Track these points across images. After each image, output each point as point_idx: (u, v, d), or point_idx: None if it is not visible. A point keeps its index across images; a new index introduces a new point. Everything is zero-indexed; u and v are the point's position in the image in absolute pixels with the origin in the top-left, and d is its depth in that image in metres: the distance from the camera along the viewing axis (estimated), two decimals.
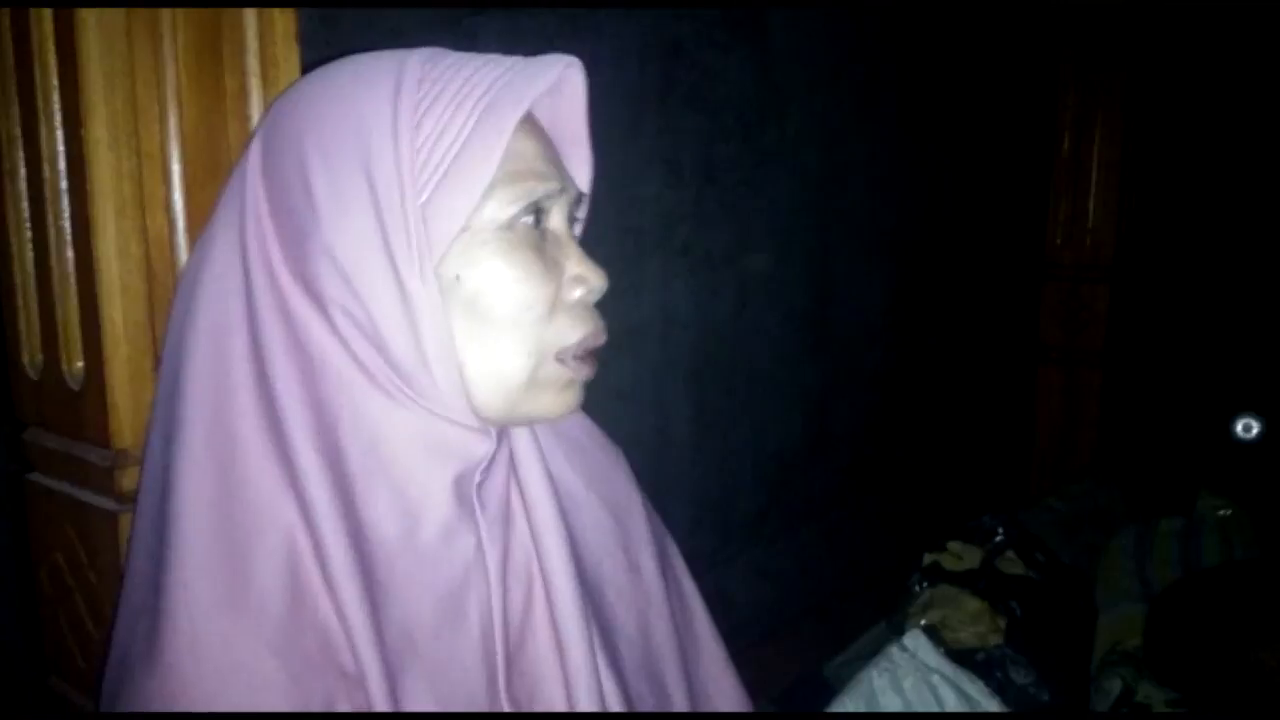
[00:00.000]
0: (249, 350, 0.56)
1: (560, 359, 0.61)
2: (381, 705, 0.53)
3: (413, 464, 0.58)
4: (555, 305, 0.60)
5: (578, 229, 0.67)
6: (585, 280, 0.62)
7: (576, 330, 0.61)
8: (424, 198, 0.56)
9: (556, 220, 0.62)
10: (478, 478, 0.60)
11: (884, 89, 1.95)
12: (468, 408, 0.59)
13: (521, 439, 0.65)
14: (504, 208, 0.57)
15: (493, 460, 0.62)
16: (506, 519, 0.63)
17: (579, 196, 0.65)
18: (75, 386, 0.73)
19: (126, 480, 0.71)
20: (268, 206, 0.58)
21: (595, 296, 0.63)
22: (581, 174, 0.67)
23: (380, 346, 0.56)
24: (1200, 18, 2.31)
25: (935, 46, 2.07)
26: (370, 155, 0.55)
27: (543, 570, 0.63)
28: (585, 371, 0.62)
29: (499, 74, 0.57)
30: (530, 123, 0.61)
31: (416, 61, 0.58)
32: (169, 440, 0.57)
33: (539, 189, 0.59)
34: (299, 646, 0.53)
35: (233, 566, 0.53)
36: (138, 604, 0.57)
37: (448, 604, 0.58)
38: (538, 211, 0.60)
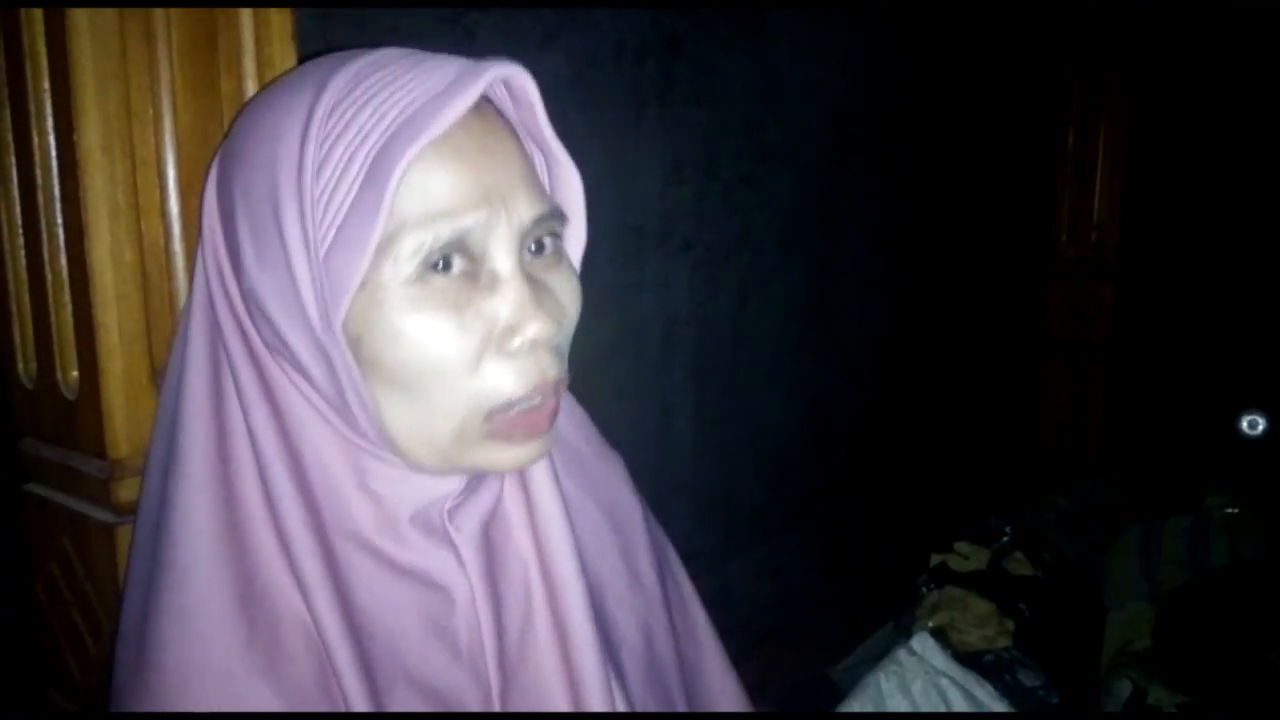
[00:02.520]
0: (230, 385, 0.56)
1: (494, 419, 0.54)
2: None
3: (371, 500, 0.56)
4: (486, 356, 0.53)
5: (577, 244, 0.62)
6: (519, 329, 0.52)
7: (512, 384, 0.53)
8: (322, 252, 0.51)
9: (497, 256, 0.53)
10: (449, 504, 0.58)
11: (886, 84, 1.94)
12: (404, 457, 0.56)
13: None
14: (407, 261, 0.50)
15: (471, 484, 0.60)
16: (496, 531, 0.61)
17: (550, 213, 0.56)
18: (70, 396, 0.71)
19: (123, 492, 0.69)
20: (221, 238, 0.56)
21: (548, 342, 0.54)
22: (566, 181, 0.60)
23: (317, 393, 0.55)
24: (1205, 12, 2.29)
25: (939, 41, 2.06)
26: (277, 199, 0.51)
27: (546, 578, 0.61)
28: (532, 425, 0.54)
29: (411, 99, 0.50)
30: (465, 144, 0.52)
31: (337, 84, 0.51)
32: (170, 456, 0.56)
33: (450, 229, 0.51)
34: (289, 674, 0.53)
35: (226, 587, 0.53)
36: (129, 631, 0.57)
37: (434, 628, 0.57)
38: (462, 251, 0.52)
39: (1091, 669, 1.72)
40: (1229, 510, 2.01)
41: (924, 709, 1.38)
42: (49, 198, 0.69)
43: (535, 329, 0.53)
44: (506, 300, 0.53)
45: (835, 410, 1.92)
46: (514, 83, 0.55)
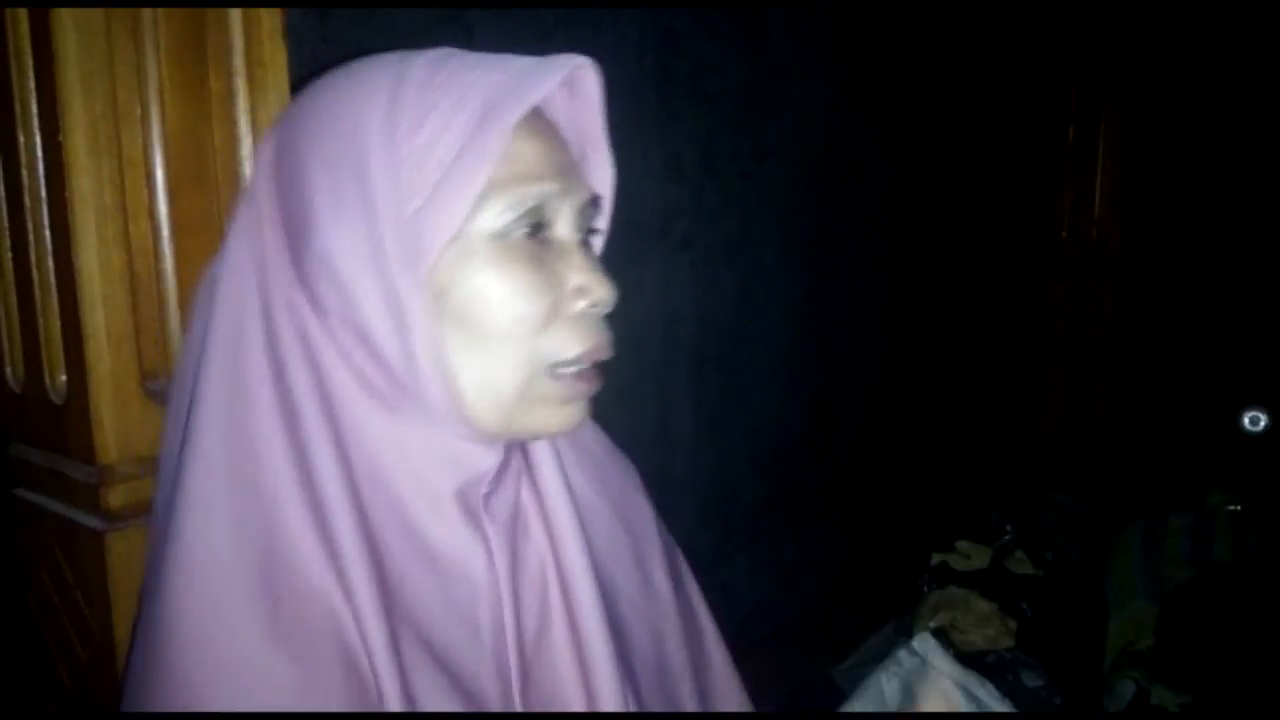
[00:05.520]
0: (266, 359, 0.56)
1: (556, 374, 0.58)
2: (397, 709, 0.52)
3: (415, 477, 0.57)
4: (553, 317, 0.57)
5: (599, 239, 0.65)
6: (587, 292, 0.58)
7: (574, 345, 0.58)
8: (416, 205, 0.53)
9: (562, 228, 0.59)
10: (484, 488, 0.59)
11: (887, 80, 1.93)
12: (463, 420, 0.57)
13: (539, 445, 0.64)
14: (498, 216, 0.55)
15: (503, 470, 0.61)
16: (518, 528, 0.62)
17: (593, 200, 0.61)
18: (58, 400, 0.70)
19: (113, 497, 0.68)
20: (277, 213, 0.57)
21: (602, 310, 0.59)
22: (602, 176, 0.64)
23: (376, 357, 0.55)
24: (1206, 9, 2.28)
25: (939, 36, 2.05)
26: (364, 161, 0.53)
27: (562, 578, 0.62)
28: (583, 388, 0.59)
29: (502, 77, 0.55)
30: (539, 124, 0.58)
31: (420, 64, 0.56)
32: (184, 440, 0.55)
33: (536, 192, 0.56)
34: (317, 657, 0.52)
35: (245, 572, 0.52)
36: (146, 614, 0.55)
37: (460, 615, 0.57)
38: (539, 218, 0.57)
39: (1094, 669, 1.71)
40: (1231, 507, 2.00)
41: (926, 710, 1.37)
42: (35, 199, 0.68)
43: (601, 294, 0.58)
44: (575, 266, 0.58)
45: (835, 408, 1.92)
46: (582, 76, 0.60)
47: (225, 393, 0.55)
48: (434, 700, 0.54)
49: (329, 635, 0.53)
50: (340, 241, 0.54)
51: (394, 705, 0.52)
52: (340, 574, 0.53)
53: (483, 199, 0.54)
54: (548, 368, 0.57)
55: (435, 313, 0.55)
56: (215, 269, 0.59)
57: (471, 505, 0.59)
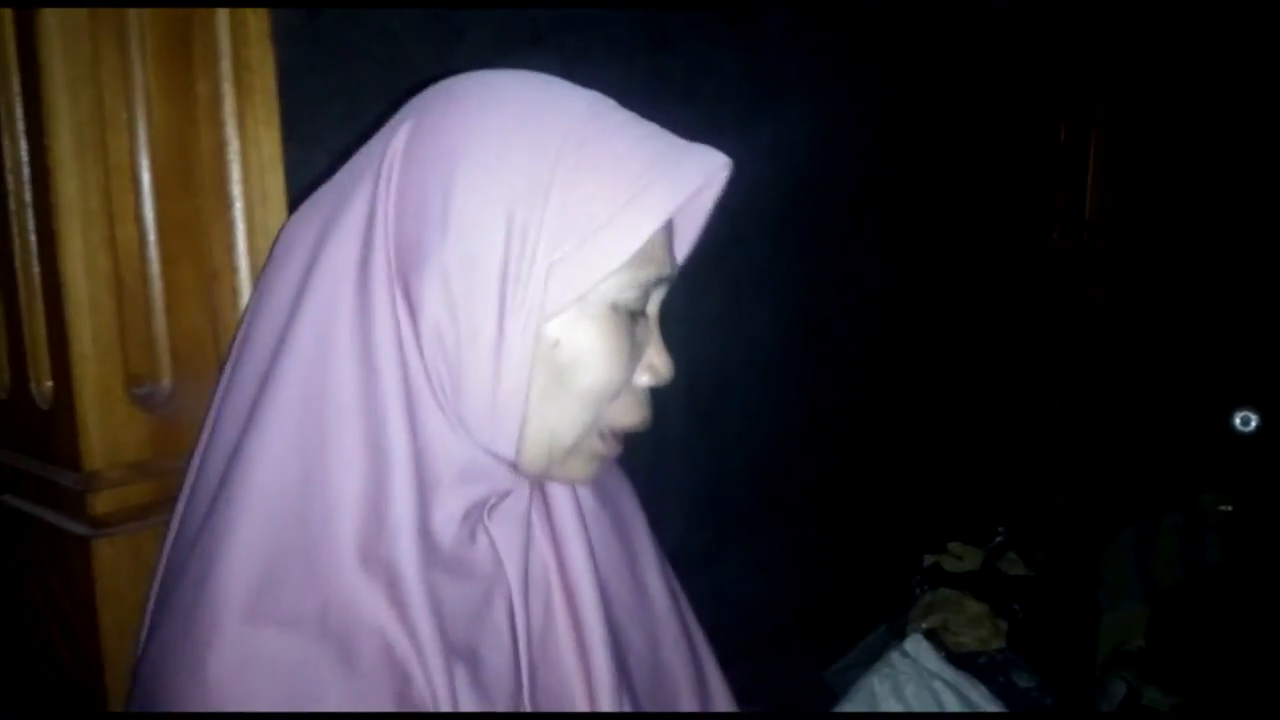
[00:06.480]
0: (358, 361, 0.55)
1: (604, 435, 0.61)
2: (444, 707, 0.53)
3: (444, 482, 0.57)
4: (625, 386, 0.61)
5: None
6: (658, 372, 0.63)
7: (632, 415, 0.62)
8: (556, 255, 0.55)
9: (652, 304, 0.62)
10: (492, 500, 0.60)
11: (878, 80, 1.93)
12: (511, 456, 0.59)
13: None
14: (624, 289, 0.58)
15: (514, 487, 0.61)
16: (525, 532, 0.62)
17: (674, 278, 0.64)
18: (44, 406, 0.70)
19: (99, 504, 0.68)
20: (395, 207, 0.57)
21: (660, 384, 0.64)
22: (682, 252, 0.66)
23: (456, 375, 0.56)
24: (1198, 12, 2.28)
25: (931, 38, 2.05)
26: (519, 200, 0.54)
27: (565, 583, 0.63)
28: (617, 449, 0.63)
29: (660, 154, 0.57)
30: None
31: (584, 116, 0.57)
32: (254, 409, 0.55)
33: (656, 275, 0.59)
34: (359, 646, 0.52)
35: (301, 566, 0.52)
36: (181, 603, 0.54)
37: (477, 616, 0.58)
38: (648, 297, 0.60)
39: (1086, 669, 1.72)
40: (1222, 508, 2.01)
41: (917, 711, 1.37)
42: (20, 204, 0.67)
43: (669, 372, 0.63)
44: (654, 344, 0.63)
45: (828, 409, 1.91)
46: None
47: (302, 388, 0.55)
48: (465, 699, 0.55)
49: (379, 641, 0.53)
50: (467, 265, 0.55)
51: (443, 706, 0.53)
52: (393, 586, 0.53)
53: (619, 270, 0.56)
54: (600, 431, 0.61)
55: (533, 358, 0.56)
56: (306, 235, 0.58)
57: (479, 512, 0.59)
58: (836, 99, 1.81)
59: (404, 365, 0.56)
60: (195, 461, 0.60)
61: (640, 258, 0.57)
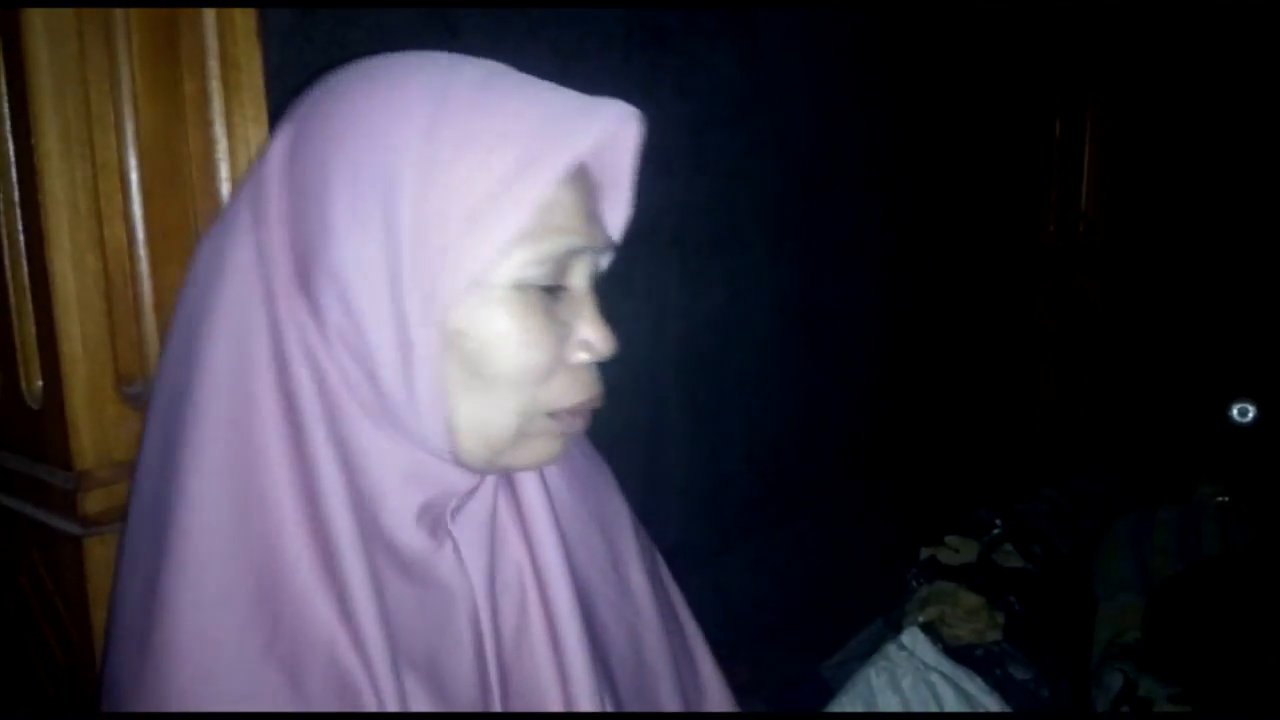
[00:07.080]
0: (273, 369, 0.54)
1: (552, 415, 0.58)
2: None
3: (389, 487, 0.56)
4: (556, 366, 0.56)
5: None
6: (592, 346, 0.58)
7: (573, 394, 0.57)
8: (442, 241, 0.51)
9: (577, 277, 0.57)
10: (454, 502, 0.59)
11: (874, 76, 1.92)
12: (450, 451, 0.57)
13: None
14: (523, 267, 0.53)
15: (477, 485, 0.60)
16: (495, 535, 0.61)
17: (611, 247, 0.60)
18: (35, 406, 0.70)
19: (90, 503, 0.68)
20: (286, 214, 0.55)
21: (600, 359, 0.59)
22: (617, 218, 0.62)
23: (372, 379, 0.54)
24: (1192, 5, 2.28)
25: (925, 32, 2.04)
26: (395, 181, 0.51)
27: (539, 582, 0.62)
28: (577, 425, 0.59)
29: (549, 116, 0.53)
30: (575, 169, 0.56)
31: (465, 84, 0.53)
32: (175, 442, 0.54)
33: (565, 246, 0.54)
34: (307, 665, 0.52)
35: (246, 587, 0.52)
36: (130, 626, 0.54)
37: (438, 621, 0.57)
38: (561, 271, 0.56)
39: (1082, 661, 1.72)
40: (1220, 499, 2.01)
41: (914, 705, 1.37)
42: (8, 203, 0.67)
43: (605, 349, 0.58)
44: (586, 318, 0.57)
45: (825, 405, 1.91)
46: (623, 120, 0.57)
47: (227, 399, 0.53)
48: (419, 702, 0.54)
49: (326, 658, 0.52)
50: (356, 262, 0.52)
51: (390, 704, 0.52)
52: (342, 599, 0.52)
53: (513, 245, 0.52)
54: (544, 412, 0.57)
55: (442, 350, 0.53)
56: (208, 262, 0.57)
57: (439, 516, 0.58)
58: (831, 94, 1.81)
59: (318, 373, 0.54)
60: (134, 483, 0.59)
61: (540, 230, 0.53)
